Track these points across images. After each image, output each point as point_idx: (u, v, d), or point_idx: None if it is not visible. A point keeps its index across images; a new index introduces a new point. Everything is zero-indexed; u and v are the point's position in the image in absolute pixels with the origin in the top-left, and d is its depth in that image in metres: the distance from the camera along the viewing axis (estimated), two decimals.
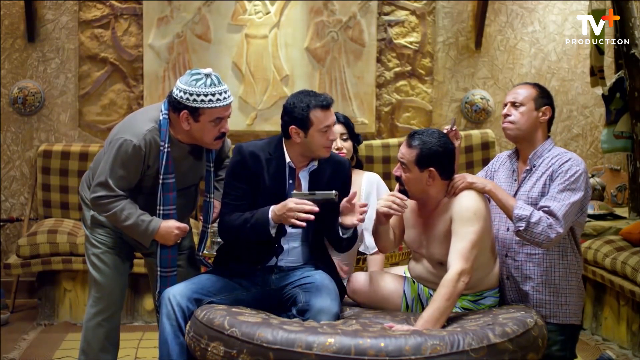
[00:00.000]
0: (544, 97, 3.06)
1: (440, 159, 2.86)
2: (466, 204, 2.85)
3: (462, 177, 2.92)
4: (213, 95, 2.89)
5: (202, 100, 2.88)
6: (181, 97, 2.90)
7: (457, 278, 2.73)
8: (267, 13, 5.49)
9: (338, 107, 5.45)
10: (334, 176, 3.02)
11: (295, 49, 5.52)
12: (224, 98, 2.92)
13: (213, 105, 2.89)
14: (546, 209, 2.87)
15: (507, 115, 3.06)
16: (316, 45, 5.53)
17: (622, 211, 5.21)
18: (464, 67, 5.72)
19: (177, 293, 2.87)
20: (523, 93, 3.05)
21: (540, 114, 3.04)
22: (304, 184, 3.00)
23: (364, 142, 5.15)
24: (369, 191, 3.47)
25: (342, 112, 3.63)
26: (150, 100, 5.36)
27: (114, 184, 2.95)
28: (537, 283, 3.00)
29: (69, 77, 5.48)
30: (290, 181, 2.99)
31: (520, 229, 2.85)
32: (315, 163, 3.01)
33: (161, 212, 3.01)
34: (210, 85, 2.89)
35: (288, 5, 5.50)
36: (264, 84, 5.52)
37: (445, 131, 3.04)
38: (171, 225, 3.00)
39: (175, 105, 2.93)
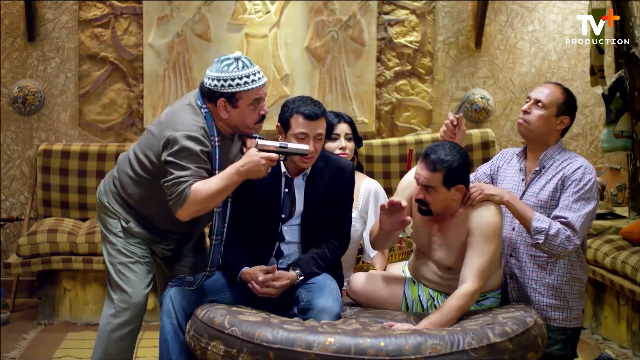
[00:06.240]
0: (568, 105, 2.99)
1: (464, 173, 2.85)
2: (487, 219, 2.81)
3: (479, 189, 2.87)
4: (248, 77, 2.82)
5: (238, 84, 2.81)
6: (215, 85, 2.82)
7: (472, 294, 2.75)
8: (267, 12, 5.48)
9: (338, 106, 5.45)
10: (333, 181, 2.99)
11: (295, 48, 5.52)
12: (259, 79, 2.85)
13: (249, 87, 2.82)
14: (563, 220, 2.83)
15: (526, 112, 2.99)
16: (316, 45, 5.53)
17: (622, 210, 5.21)
18: (464, 66, 5.71)
19: (177, 292, 2.87)
20: (550, 95, 2.97)
21: (559, 122, 2.99)
22: (299, 193, 2.97)
23: (364, 142, 5.14)
24: (367, 198, 3.45)
25: (342, 112, 3.63)
26: (150, 99, 5.34)
27: (187, 162, 2.74)
28: (540, 285, 2.98)
29: (69, 77, 5.47)
30: (286, 190, 2.97)
31: (539, 242, 2.82)
32: (307, 171, 2.98)
33: (220, 209, 2.85)
34: (243, 67, 2.82)
35: (288, 5, 5.49)
36: None
37: (452, 117, 3.02)
38: (251, 155, 2.74)
39: (210, 96, 2.85)
